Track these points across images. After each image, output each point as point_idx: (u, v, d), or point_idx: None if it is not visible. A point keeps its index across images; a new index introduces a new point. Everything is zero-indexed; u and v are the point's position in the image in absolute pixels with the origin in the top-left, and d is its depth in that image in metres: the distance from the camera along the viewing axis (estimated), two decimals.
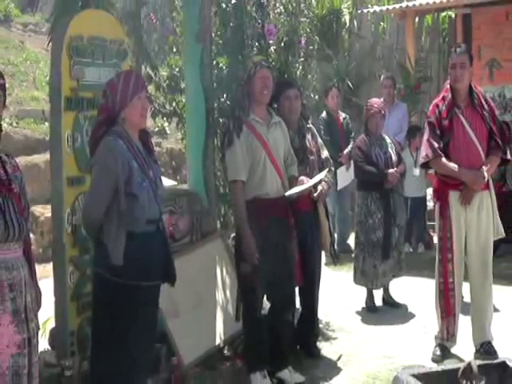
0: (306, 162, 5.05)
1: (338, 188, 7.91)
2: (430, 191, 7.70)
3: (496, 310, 5.42)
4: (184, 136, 5.98)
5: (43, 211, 8.32)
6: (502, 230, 5.00)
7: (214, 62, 5.50)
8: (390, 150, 6.37)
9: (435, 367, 4.46)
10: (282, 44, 5.63)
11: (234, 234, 5.09)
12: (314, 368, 5.00)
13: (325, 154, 5.30)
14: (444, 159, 4.86)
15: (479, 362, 4.05)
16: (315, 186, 4.92)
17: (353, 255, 6.63)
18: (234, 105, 5.10)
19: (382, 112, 6.35)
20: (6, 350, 2.97)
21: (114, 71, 4.19)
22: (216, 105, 5.50)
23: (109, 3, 4.47)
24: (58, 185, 4.13)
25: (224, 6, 5.49)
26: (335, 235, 7.83)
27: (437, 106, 4.97)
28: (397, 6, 10.59)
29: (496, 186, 5.41)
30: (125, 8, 5.76)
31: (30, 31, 15.68)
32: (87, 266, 4.10)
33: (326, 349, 5.37)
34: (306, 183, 4.74)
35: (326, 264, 6.15)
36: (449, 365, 4.43)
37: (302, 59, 5.78)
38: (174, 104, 6.04)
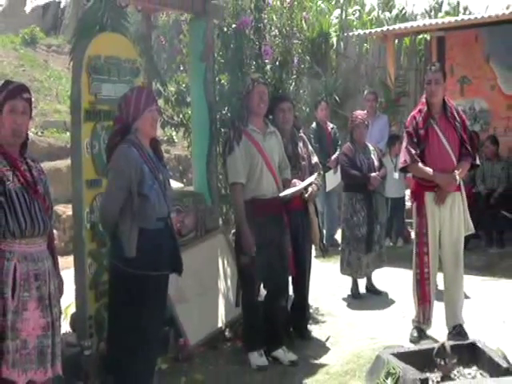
0: (298, 166, 5.06)
1: (327, 189, 7.90)
2: (408, 192, 7.71)
3: (466, 296, 5.43)
4: (190, 144, 5.99)
5: (65, 210, 8.31)
6: (472, 227, 5.01)
7: (217, 79, 5.52)
8: (372, 156, 6.39)
9: (413, 347, 4.48)
10: (277, 63, 5.63)
11: (234, 230, 5.11)
12: (305, 348, 5.00)
13: (315, 159, 5.32)
14: (420, 164, 4.87)
15: (452, 342, 4.08)
16: (306, 188, 4.94)
17: (339, 248, 6.64)
18: (234, 116, 5.12)
19: (366, 123, 6.36)
20: (32, 332, 2.98)
21: (128, 87, 4.19)
22: (218, 116, 5.51)
23: (123, 27, 4.47)
24: (78, 187, 4.13)
25: (225, 29, 5.50)
26: (324, 231, 7.85)
27: (414, 117, 4.98)
28: (378, 29, 10.62)
29: (466, 188, 5.41)
30: (137, 31, 5.77)
31: (53, 51, 15.70)
32: (104, 258, 4.10)
33: (315, 331, 5.38)
34: (298, 185, 4.76)
35: (315, 256, 6.14)
36: (425, 345, 4.44)
37: (295, 76, 5.78)
38: (180, 116, 6.04)
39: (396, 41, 10.91)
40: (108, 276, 3.76)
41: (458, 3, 15.04)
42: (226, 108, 5.52)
